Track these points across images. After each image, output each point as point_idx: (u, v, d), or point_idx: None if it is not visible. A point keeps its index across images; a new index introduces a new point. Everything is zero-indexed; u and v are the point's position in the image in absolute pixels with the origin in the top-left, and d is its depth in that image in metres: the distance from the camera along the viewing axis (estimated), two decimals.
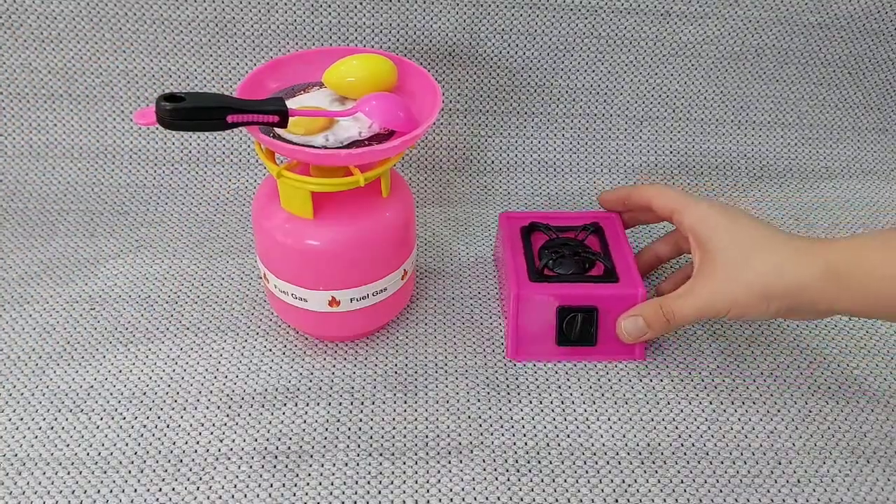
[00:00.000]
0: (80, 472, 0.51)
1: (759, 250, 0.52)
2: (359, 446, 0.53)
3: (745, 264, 0.52)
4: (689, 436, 0.55)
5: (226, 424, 0.55)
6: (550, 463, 0.52)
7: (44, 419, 0.54)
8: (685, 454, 0.54)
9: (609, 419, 0.56)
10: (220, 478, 0.51)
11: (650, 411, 0.56)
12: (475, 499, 0.50)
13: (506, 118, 0.79)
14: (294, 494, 0.50)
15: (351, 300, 0.57)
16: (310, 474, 0.51)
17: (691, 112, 0.81)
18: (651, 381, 0.59)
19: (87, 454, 0.52)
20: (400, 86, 0.57)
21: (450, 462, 0.52)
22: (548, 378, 0.59)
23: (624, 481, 0.51)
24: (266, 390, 0.57)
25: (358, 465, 0.52)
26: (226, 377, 0.58)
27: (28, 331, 0.61)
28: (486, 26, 0.75)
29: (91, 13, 0.73)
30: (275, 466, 0.52)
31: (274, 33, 0.74)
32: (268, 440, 0.53)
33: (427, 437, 0.54)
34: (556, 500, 0.50)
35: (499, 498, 0.50)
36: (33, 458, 0.52)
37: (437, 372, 0.59)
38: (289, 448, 0.53)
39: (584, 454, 0.53)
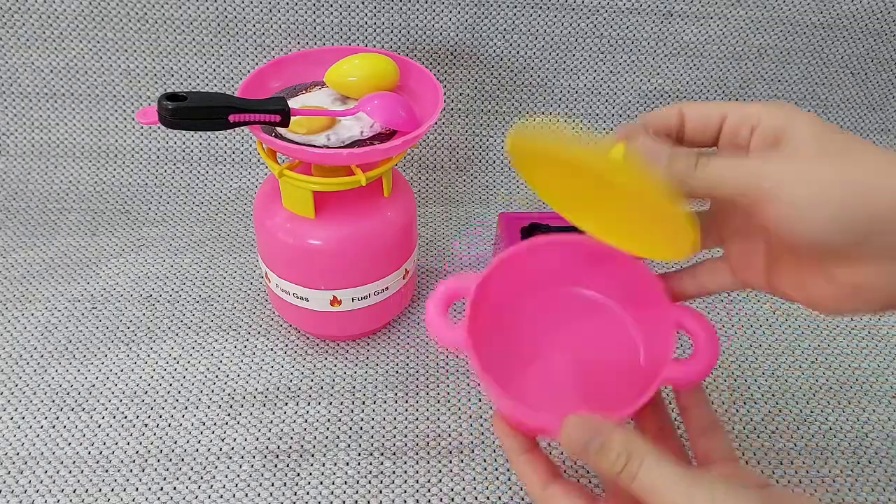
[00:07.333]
0: (82, 471, 0.51)
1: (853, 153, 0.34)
2: (360, 445, 0.53)
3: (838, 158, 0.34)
4: None
5: (227, 423, 0.55)
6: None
7: (45, 418, 0.54)
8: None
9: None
10: (221, 477, 0.51)
11: None
12: (476, 498, 0.50)
13: (507, 118, 0.79)
14: (295, 493, 0.50)
15: (352, 299, 0.57)
16: (311, 473, 0.51)
17: None
18: None
19: (89, 453, 0.52)
20: (401, 85, 0.57)
21: (451, 461, 0.52)
22: None
23: None
24: (267, 389, 0.57)
25: (359, 464, 0.52)
26: (227, 376, 0.58)
27: (30, 329, 0.62)
28: (488, 26, 0.75)
29: (93, 13, 0.73)
30: (276, 465, 0.52)
31: (276, 33, 0.74)
32: (269, 439, 0.54)
33: (428, 436, 0.54)
34: None
35: (500, 497, 0.50)
36: (34, 457, 0.52)
37: (437, 371, 0.59)
38: (290, 447, 0.53)
39: None
